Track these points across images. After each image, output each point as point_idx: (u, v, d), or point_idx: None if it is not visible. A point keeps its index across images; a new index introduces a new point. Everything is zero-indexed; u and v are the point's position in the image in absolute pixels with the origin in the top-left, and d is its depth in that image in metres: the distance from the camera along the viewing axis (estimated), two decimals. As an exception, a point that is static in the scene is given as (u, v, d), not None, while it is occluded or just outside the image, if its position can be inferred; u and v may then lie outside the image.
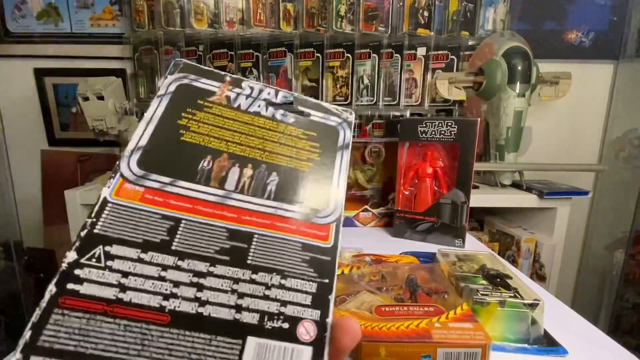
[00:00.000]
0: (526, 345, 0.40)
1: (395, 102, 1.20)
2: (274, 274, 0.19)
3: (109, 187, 0.20)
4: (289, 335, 0.18)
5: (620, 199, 1.25)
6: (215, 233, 0.20)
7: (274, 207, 0.22)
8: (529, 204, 0.96)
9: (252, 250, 0.20)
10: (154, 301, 0.17)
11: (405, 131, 0.73)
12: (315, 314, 0.19)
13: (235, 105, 0.26)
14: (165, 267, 0.18)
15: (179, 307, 0.18)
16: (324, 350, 0.18)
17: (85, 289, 0.18)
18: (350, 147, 0.27)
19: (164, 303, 0.17)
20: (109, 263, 0.18)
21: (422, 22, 1.15)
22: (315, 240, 0.21)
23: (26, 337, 0.17)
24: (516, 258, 1.01)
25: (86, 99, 0.95)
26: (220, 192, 0.22)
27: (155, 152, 0.22)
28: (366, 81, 1.20)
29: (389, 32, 1.16)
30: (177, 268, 0.19)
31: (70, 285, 0.18)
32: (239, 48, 1.18)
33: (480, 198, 0.94)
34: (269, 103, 0.27)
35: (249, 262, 0.20)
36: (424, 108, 1.20)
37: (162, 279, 0.18)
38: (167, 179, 0.21)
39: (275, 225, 0.21)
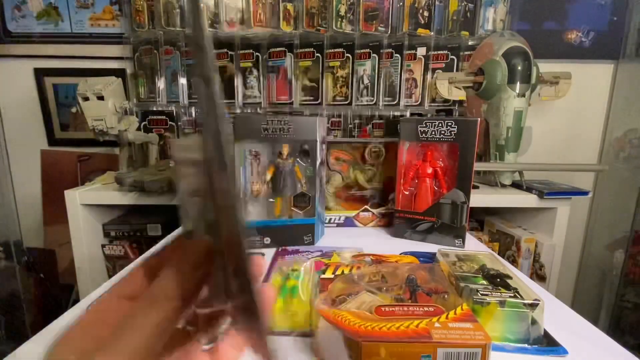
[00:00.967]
0: (526, 345, 0.40)
1: (395, 102, 1.20)
2: None
3: None
4: None
5: (620, 199, 1.25)
6: None
7: None
8: (529, 204, 0.96)
9: None
10: None
11: (405, 131, 0.73)
12: None
13: None
14: None
15: None
16: None
17: None
18: None
19: None
20: None
21: (422, 22, 1.15)
22: None
23: None
24: (516, 258, 1.01)
25: (86, 99, 0.95)
26: None
27: None
28: (366, 81, 1.20)
29: (389, 32, 1.16)
30: None
31: None
32: (239, 48, 1.18)
33: (480, 198, 0.94)
34: None
35: None
36: (424, 108, 1.20)
37: None
38: None
39: None
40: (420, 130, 0.71)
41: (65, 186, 0.99)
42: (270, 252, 0.67)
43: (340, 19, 1.14)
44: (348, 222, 0.84)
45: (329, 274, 0.53)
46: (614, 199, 1.27)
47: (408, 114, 1.20)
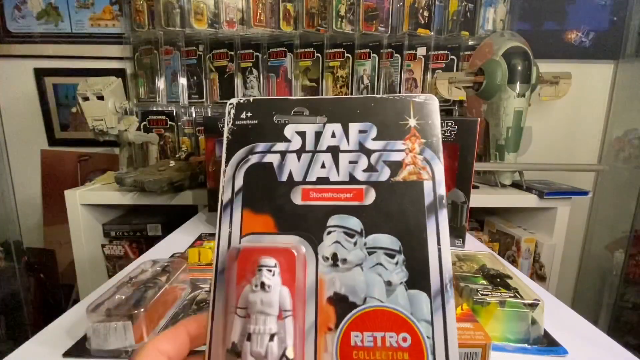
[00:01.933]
0: (526, 345, 0.40)
1: (395, 102, 1.20)
2: None
3: None
4: None
5: (620, 199, 1.25)
6: None
7: None
8: (529, 204, 0.96)
9: None
10: None
11: (405, 131, 0.73)
12: None
13: None
14: None
15: None
16: None
17: None
18: None
19: None
20: None
21: (422, 22, 1.15)
22: None
23: None
24: (516, 258, 1.01)
25: (86, 99, 0.95)
26: None
27: None
28: (366, 81, 1.20)
29: (389, 32, 1.16)
30: None
31: None
32: (239, 48, 1.18)
33: (480, 198, 0.94)
34: None
35: None
36: (424, 108, 1.20)
37: None
38: None
39: None
40: (420, 130, 0.71)
41: (65, 186, 1.00)
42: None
43: (340, 19, 1.14)
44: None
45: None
46: (614, 199, 1.27)
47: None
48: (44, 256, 1.36)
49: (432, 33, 1.15)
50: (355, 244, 0.21)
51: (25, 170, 1.32)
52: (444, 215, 0.21)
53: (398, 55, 1.17)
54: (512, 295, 0.42)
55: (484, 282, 0.46)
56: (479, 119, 0.68)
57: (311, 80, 1.20)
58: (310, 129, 0.23)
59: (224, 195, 0.22)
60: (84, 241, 0.98)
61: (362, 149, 0.22)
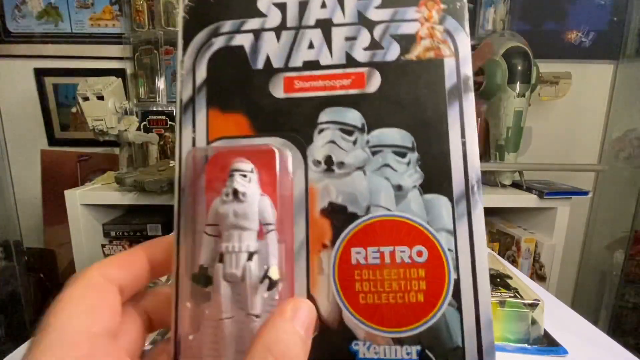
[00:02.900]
0: (526, 345, 0.40)
1: (395, 102, 1.20)
2: None
3: None
4: None
5: (620, 199, 1.25)
6: None
7: None
8: (529, 204, 0.96)
9: None
10: None
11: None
12: None
13: None
14: None
15: None
16: None
17: None
18: None
19: None
20: None
21: (422, 22, 1.15)
22: None
23: None
24: (516, 258, 1.01)
25: (86, 99, 0.95)
26: None
27: None
28: (366, 81, 1.20)
29: (389, 32, 1.16)
30: None
31: None
32: (239, 48, 1.18)
33: (480, 198, 0.94)
34: None
35: None
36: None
37: None
38: None
39: None
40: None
41: (65, 186, 0.99)
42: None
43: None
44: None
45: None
46: (614, 199, 1.27)
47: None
48: (44, 256, 1.36)
49: (432, 33, 1.15)
50: (354, 142, 0.17)
51: (25, 170, 1.32)
52: (470, 101, 0.17)
53: (398, 55, 1.17)
54: (512, 295, 0.42)
55: (484, 282, 0.46)
56: (479, 119, 0.68)
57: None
58: None
59: (183, 93, 0.18)
60: (84, 241, 0.98)
61: (363, 21, 0.17)
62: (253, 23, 0.18)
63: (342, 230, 0.16)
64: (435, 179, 0.16)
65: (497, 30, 1.14)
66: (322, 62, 0.17)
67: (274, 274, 0.15)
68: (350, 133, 0.17)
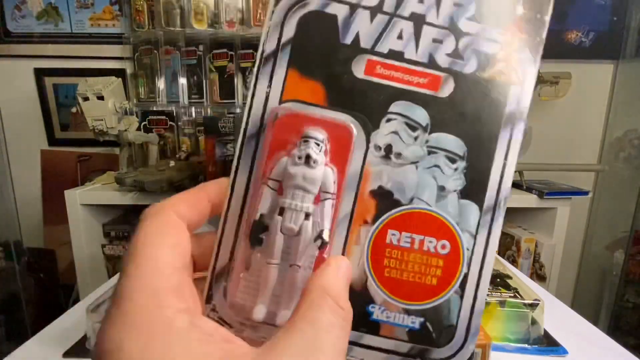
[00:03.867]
0: (526, 345, 0.40)
1: (395, 102, 1.20)
2: None
3: None
4: None
5: (620, 199, 1.25)
6: None
7: None
8: (529, 204, 0.96)
9: None
10: None
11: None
12: None
13: None
14: None
15: None
16: None
17: None
18: None
19: None
20: None
21: (422, 22, 1.15)
22: None
23: None
24: (516, 258, 1.01)
25: (86, 99, 0.95)
26: None
27: None
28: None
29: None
30: None
31: None
32: (239, 48, 1.18)
33: (480, 198, 0.94)
34: None
35: None
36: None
37: None
38: None
39: None
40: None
41: (65, 186, 1.00)
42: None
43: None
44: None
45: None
46: (614, 199, 1.27)
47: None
48: (44, 256, 1.36)
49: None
50: (415, 138, 0.18)
51: (25, 170, 1.32)
52: (519, 130, 0.18)
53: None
54: (512, 295, 0.42)
55: (484, 282, 0.46)
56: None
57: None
58: None
59: (267, 45, 0.18)
60: (84, 241, 0.98)
61: (453, 28, 0.18)
62: None
63: (385, 213, 0.18)
64: (474, 188, 0.18)
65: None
66: (406, 55, 0.18)
67: (326, 236, 0.17)
68: (414, 129, 0.18)
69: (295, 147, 0.17)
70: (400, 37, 0.18)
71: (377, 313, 0.18)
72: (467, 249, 0.18)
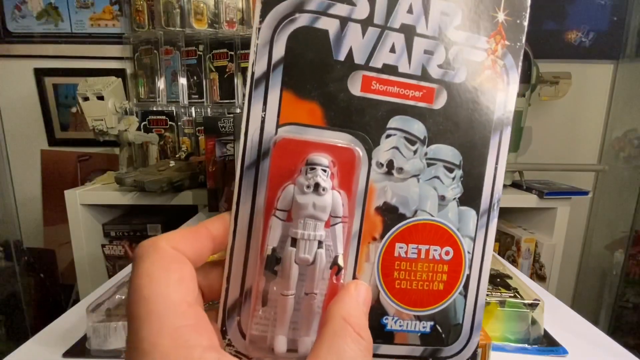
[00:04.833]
0: (526, 345, 0.40)
1: (395, 102, 1.20)
2: None
3: None
4: None
5: (620, 199, 1.25)
6: None
7: None
8: (529, 204, 0.96)
9: None
10: None
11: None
12: None
13: None
14: None
15: None
16: None
17: None
18: None
19: None
20: None
21: (422, 22, 1.15)
22: None
23: None
24: (516, 258, 1.01)
25: (86, 99, 0.95)
26: None
27: None
28: (366, 81, 1.19)
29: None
30: None
31: None
32: (239, 48, 1.18)
33: (480, 198, 0.94)
34: None
35: None
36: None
37: None
38: None
39: None
40: (420, 130, 0.71)
41: (65, 186, 1.00)
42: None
43: (340, 19, 1.14)
44: (348, 222, 0.84)
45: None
46: (614, 199, 1.27)
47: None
48: (44, 256, 1.36)
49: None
50: (415, 152, 0.18)
51: (25, 170, 1.32)
52: (507, 134, 0.19)
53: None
54: (512, 295, 0.42)
55: (484, 282, 0.46)
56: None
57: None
58: None
59: (257, 66, 0.17)
60: (84, 241, 0.98)
61: (442, 37, 0.18)
62: (341, 9, 0.17)
63: (391, 227, 0.19)
64: (470, 194, 0.19)
65: (497, 30, 1.14)
66: (400, 69, 0.18)
67: (341, 261, 0.17)
68: (413, 143, 0.18)
69: (300, 174, 0.17)
70: (392, 50, 0.18)
71: (390, 324, 0.19)
72: (468, 252, 0.19)
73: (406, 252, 0.19)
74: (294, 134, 0.17)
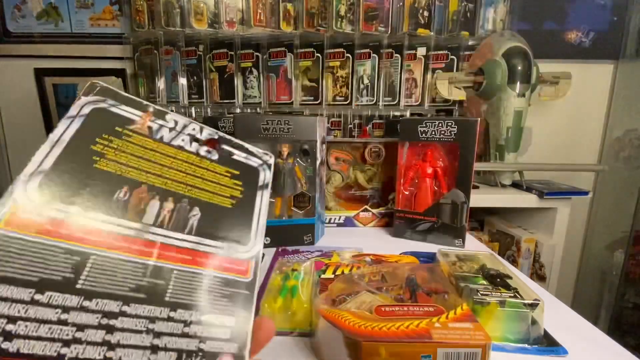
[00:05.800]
0: (526, 345, 0.40)
1: (395, 102, 1.20)
2: (193, 310, 0.19)
3: None
4: None
5: (620, 199, 1.25)
6: (130, 269, 0.19)
7: (195, 242, 0.22)
8: (529, 204, 0.96)
9: (170, 286, 0.19)
10: (51, 349, 0.15)
11: (405, 131, 0.73)
12: (234, 347, 0.19)
13: (158, 137, 0.24)
14: (67, 309, 0.16)
15: (82, 354, 0.16)
16: None
17: None
18: (269, 188, 0.27)
19: (64, 350, 0.15)
20: None
21: (422, 22, 1.15)
22: (235, 275, 0.21)
23: None
24: (516, 258, 1.01)
25: (86, 99, 0.95)
26: (137, 225, 0.20)
27: (61, 178, 0.20)
28: (366, 81, 1.20)
29: (389, 32, 1.16)
30: (83, 309, 0.17)
31: None
32: (239, 48, 1.18)
33: (480, 198, 0.94)
34: (194, 139, 0.26)
35: (167, 299, 0.19)
36: (424, 108, 1.20)
37: (62, 322, 0.16)
38: (74, 209, 0.19)
39: (196, 261, 0.21)
40: (420, 130, 0.71)
41: (65, 186, 0.99)
42: (270, 252, 0.67)
43: (340, 19, 1.14)
44: (348, 222, 0.84)
45: (329, 274, 0.53)
46: (614, 199, 1.27)
47: (408, 114, 1.20)
48: (44, 256, 1.36)
49: (432, 33, 1.15)
50: None
51: (25, 170, 1.32)
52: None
53: (398, 55, 1.17)
54: (512, 295, 0.42)
55: (484, 282, 0.46)
56: (479, 119, 0.68)
57: (311, 80, 1.20)
58: None
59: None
60: (84, 241, 0.98)
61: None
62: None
63: None
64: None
65: (497, 30, 1.14)
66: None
67: None
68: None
69: None
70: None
71: None
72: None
73: None
74: None
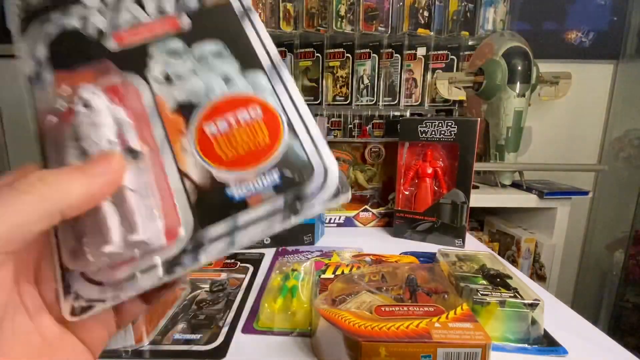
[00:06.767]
0: (526, 345, 0.40)
1: (395, 102, 1.20)
2: None
3: None
4: None
5: (620, 199, 1.25)
6: None
7: None
8: (529, 204, 0.96)
9: None
10: None
11: (405, 131, 0.73)
12: None
13: None
14: None
15: None
16: None
17: None
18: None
19: None
20: None
21: (422, 22, 1.15)
22: None
23: None
24: (516, 258, 1.01)
25: (86, 99, 0.95)
26: None
27: None
28: (366, 81, 1.20)
29: (389, 32, 1.16)
30: None
31: None
32: (239, 48, 1.18)
33: (480, 198, 0.94)
34: None
35: None
36: (424, 108, 1.20)
37: None
38: None
39: None
40: (420, 130, 0.71)
41: (65, 186, 0.99)
42: (270, 252, 0.67)
43: (340, 19, 1.14)
44: (348, 222, 0.84)
45: (329, 274, 0.53)
46: (614, 199, 1.27)
47: (408, 114, 1.20)
48: (44, 256, 1.35)
49: (432, 33, 1.15)
50: (182, 57, 0.22)
51: (25, 170, 1.32)
52: (256, 17, 0.24)
53: (398, 55, 1.17)
54: (512, 295, 0.42)
55: (484, 282, 0.46)
56: (479, 119, 0.68)
57: (311, 80, 1.20)
58: None
59: (25, 69, 0.22)
60: (84, 241, 0.98)
61: None
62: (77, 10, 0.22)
63: (192, 116, 0.21)
64: (246, 60, 0.22)
65: (497, 30, 1.14)
66: (143, 20, 0.23)
67: (136, 146, 0.21)
68: (177, 53, 0.22)
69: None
70: (128, 10, 0.23)
71: (236, 192, 0.20)
72: (275, 101, 0.22)
73: (217, 128, 0.21)
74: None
